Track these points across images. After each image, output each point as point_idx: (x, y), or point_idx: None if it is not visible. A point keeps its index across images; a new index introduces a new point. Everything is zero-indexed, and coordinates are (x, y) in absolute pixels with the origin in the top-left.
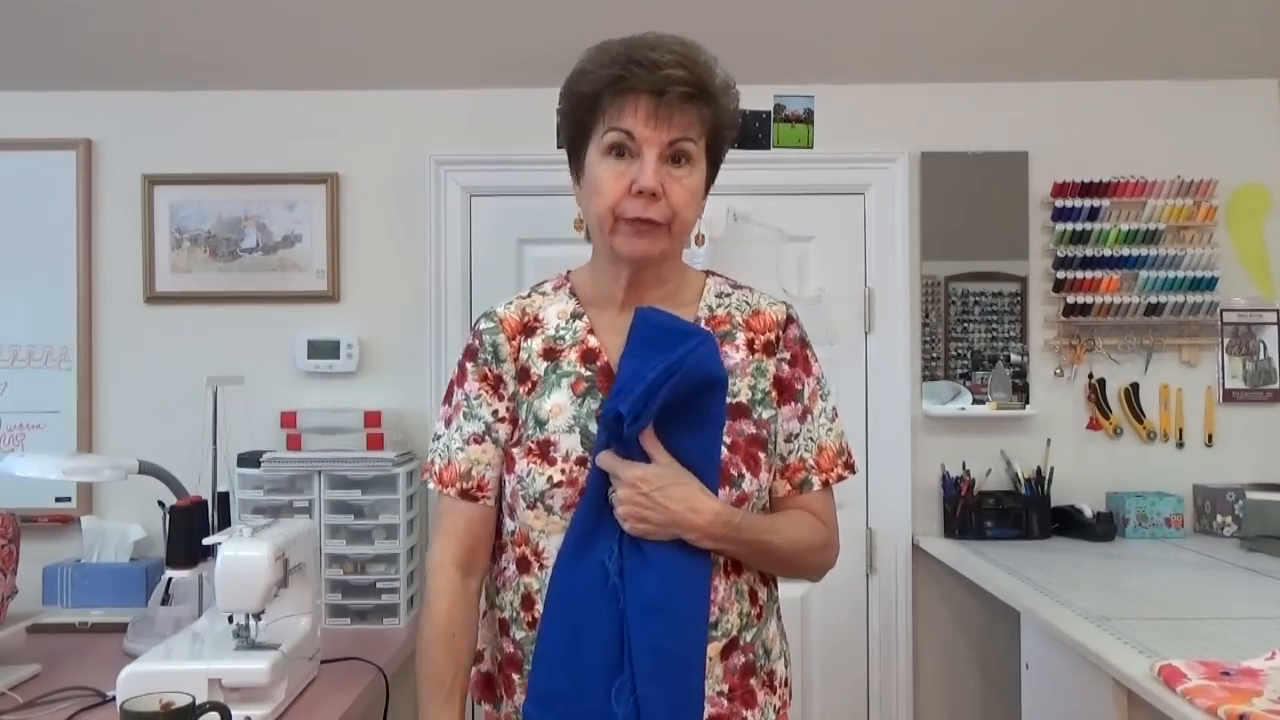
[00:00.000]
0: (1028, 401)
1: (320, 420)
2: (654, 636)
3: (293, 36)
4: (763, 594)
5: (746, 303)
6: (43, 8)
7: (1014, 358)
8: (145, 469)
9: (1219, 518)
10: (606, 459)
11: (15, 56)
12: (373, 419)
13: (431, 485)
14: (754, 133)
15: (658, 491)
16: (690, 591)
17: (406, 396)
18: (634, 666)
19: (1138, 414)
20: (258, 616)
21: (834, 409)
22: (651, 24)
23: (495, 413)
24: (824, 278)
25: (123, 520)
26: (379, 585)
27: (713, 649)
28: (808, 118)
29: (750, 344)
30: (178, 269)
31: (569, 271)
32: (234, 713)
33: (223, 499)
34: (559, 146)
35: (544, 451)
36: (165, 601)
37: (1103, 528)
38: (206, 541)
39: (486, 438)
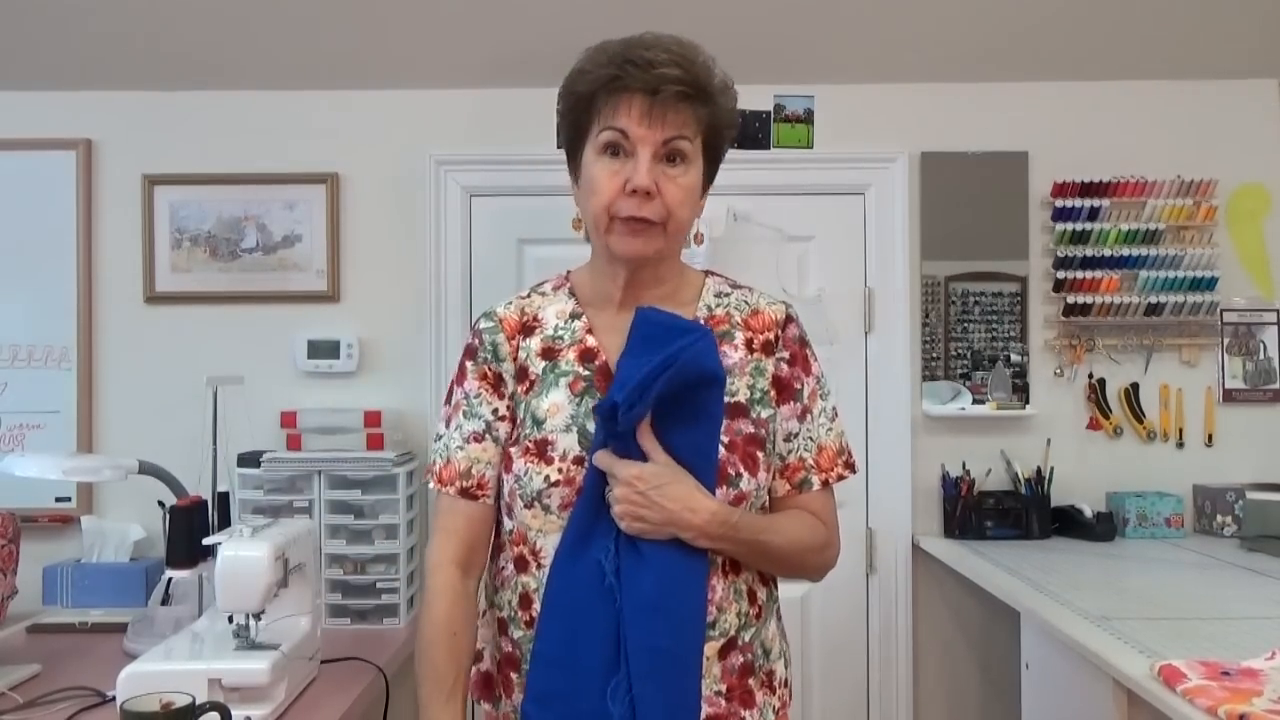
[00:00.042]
0: (1028, 401)
1: (320, 420)
2: (650, 636)
3: (293, 36)
4: (762, 594)
5: (746, 302)
6: (43, 8)
7: (1014, 358)
8: (145, 469)
9: (1219, 518)
10: (603, 458)
11: (15, 56)
12: (373, 419)
13: (431, 485)
14: (754, 133)
15: (654, 490)
16: (687, 591)
17: (406, 396)
18: (630, 666)
19: (1138, 414)
20: (258, 616)
21: (834, 408)
22: (651, 24)
23: (495, 411)
24: (824, 278)
25: (123, 520)
26: (379, 585)
27: (710, 649)
28: (808, 118)
29: (749, 343)
30: (178, 269)
31: (569, 271)
32: (234, 713)
33: (223, 499)
34: (559, 146)
35: (541, 451)
36: (165, 601)
37: (1103, 528)
38: (206, 541)
39: (487, 436)
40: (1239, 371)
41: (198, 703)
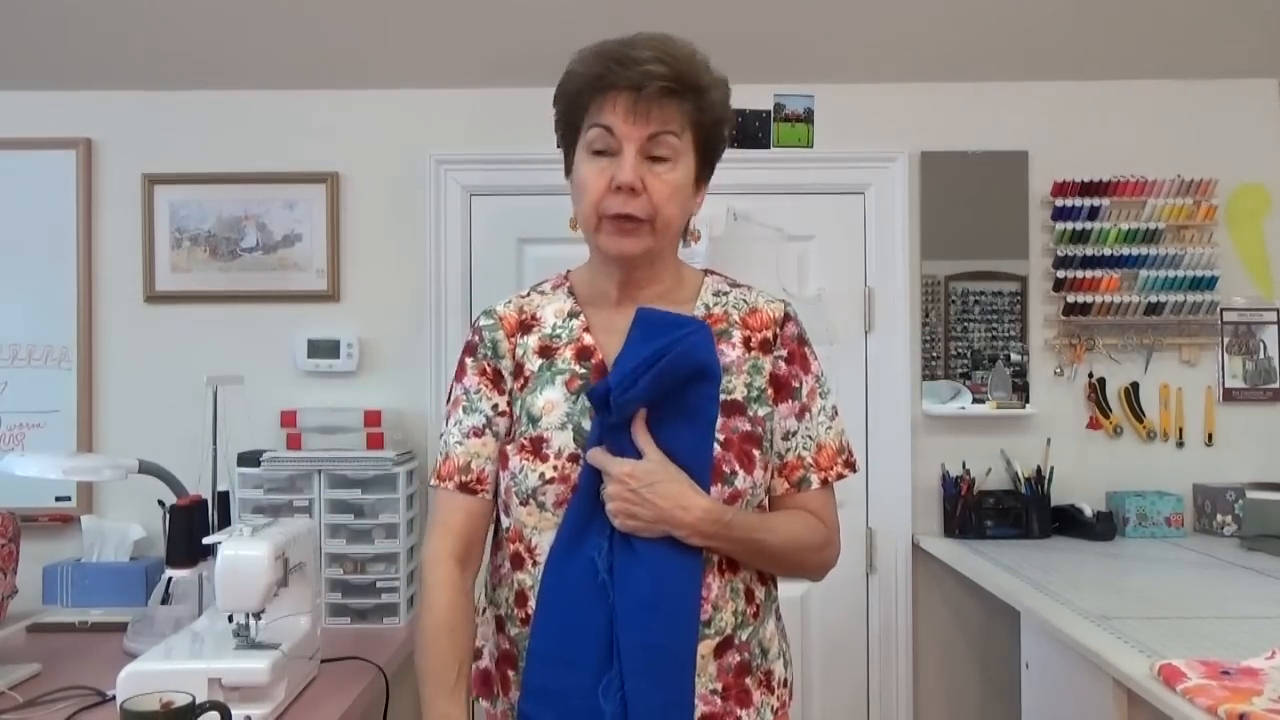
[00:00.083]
0: (1028, 401)
1: (320, 420)
2: (642, 633)
3: (293, 36)
4: (760, 593)
5: (744, 301)
6: (43, 8)
7: (1014, 357)
8: (145, 468)
9: (1219, 517)
10: (597, 455)
11: (15, 56)
12: (373, 418)
13: (432, 482)
14: (754, 132)
15: (646, 488)
16: (680, 588)
17: (406, 396)
18: (622, 663)
19: (1138, 413)
20: (258, 616)
21: (834, 407)
22: (651, 24)
23: (495, 406)
24: (824, 277)
25: (123, 520)
26: (379, 585)
27: (706, 647)
28: (808, 117)
29: (746, 342)
30: (178, 268)
31: (569, 271)
32: (234, 712)
33: (223, 498)
34: (559, 146)
35: (536, 448)
36: (165, 601)
37: (1103, 527)
38: (206, 541)
39: (487, 430)
40: (1239, 371)
41: (198, 702)
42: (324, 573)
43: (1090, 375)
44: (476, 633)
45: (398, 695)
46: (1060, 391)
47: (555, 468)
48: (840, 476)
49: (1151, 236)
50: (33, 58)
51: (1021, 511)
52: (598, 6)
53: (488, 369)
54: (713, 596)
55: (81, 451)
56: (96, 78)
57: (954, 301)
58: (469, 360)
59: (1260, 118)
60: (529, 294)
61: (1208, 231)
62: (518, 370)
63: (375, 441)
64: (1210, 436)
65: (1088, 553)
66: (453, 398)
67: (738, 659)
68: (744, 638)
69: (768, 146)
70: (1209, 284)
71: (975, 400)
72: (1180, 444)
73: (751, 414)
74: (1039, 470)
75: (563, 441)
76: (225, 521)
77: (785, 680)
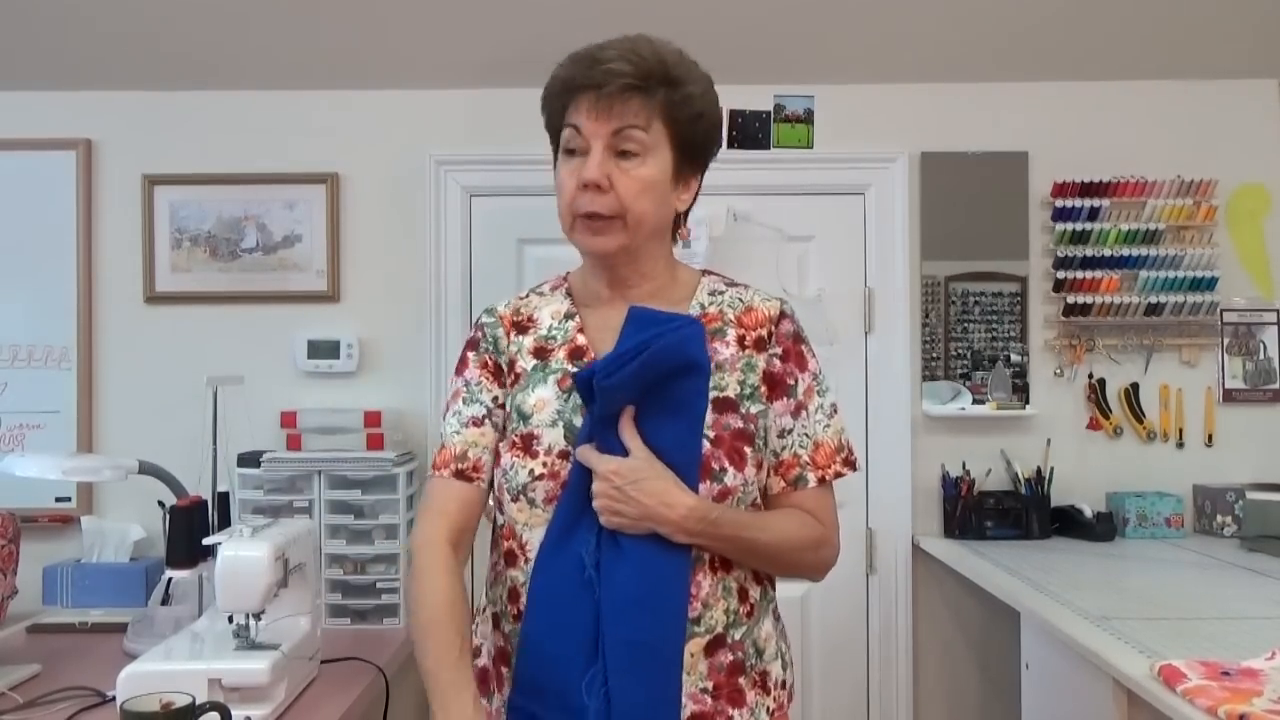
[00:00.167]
0: (1028, 401)
1: (320, 420)
2: (627, 629)
3: (293, 36)
4: (754, 592)
5: (740, 300)
6: (43, 8)
7: (1014, 358)
8: (145, 469)
9: (1219, 518)
10: (585, 452)
11: (15, 56)
12: (373, 419)
13: (429, 473)
14: (754, 133)
15: (631, 485)
16: (667, 585)
17: (406, 396)
18: (606, 659)
19: (1138, 414)
20: (258, 616)
21: (833, 405)
22: (651, 24)
23: (495, 399)
24: (824, 278)
25: (123, 520)
26: (379, 585)
27: (696, 645)
28: (808, 118)
29: (741, 340)
30: (178, 269)
31: (569, 273)
32: (234, 713)
33: (223, 499)
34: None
35: (527, 445)
36: (165, 601)
37: (1103, 528)
38: (206, 541)
39: (486, 421)
40: (1239, 371)
41: (198, 703)
42: (324, 573)
43: (1090, 376)
44: (476, 631)
45: (398, 696)
46: (1060, 392)
47: (545, 464)
48: (839, 475)
49: (1151, 237)
50: (33, 58)
51: (1021, 512)
52: (597, 7)
53: (489, 362)
54: (703, 594)
55: (81, 452)
56: (96, 78)
57: (954, 302)
58: (470, 354)
59: (1260, 118)
60: (528, 295)
61: (1208, 232)
62: (509, 367)
63: (375, 442)
64: (1210, 437)
65: (1088, 553)
66: (453, 390)
67: (730, 658)
68: (737, 637)
69: (768, 147)
70: (1209, 284)
71: (975, 401)
72: (1180, 445)
73: (744, 411)
74: (1039, 471)
75: (553, 438)
76: (225, 522)
77: (784, 682)
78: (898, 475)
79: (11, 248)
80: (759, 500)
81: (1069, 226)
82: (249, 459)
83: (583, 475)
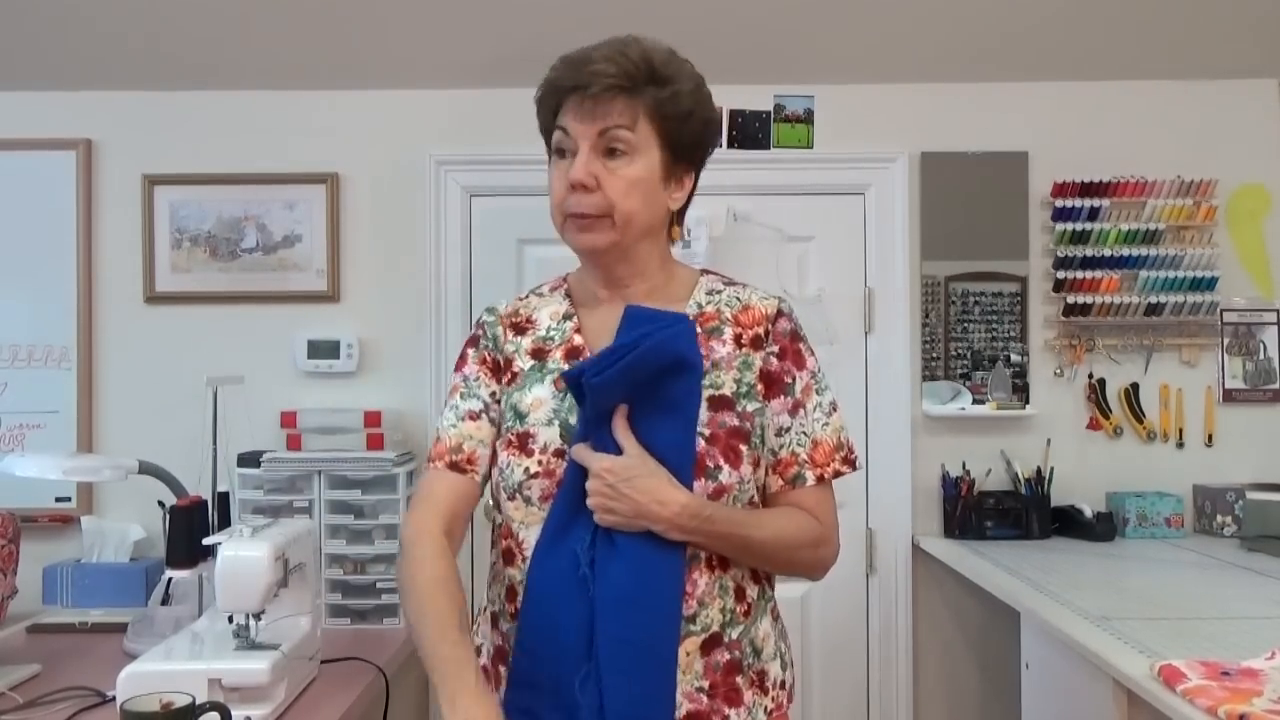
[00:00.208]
0: (1028, 401)
1: (320, 420)
2: (620, 627)
3: (293, 36)
4: (752, 591)
5: (737, 298)
6: (43, 8)
7: (1014, 358)
8: (145, 469)
9: (1219, 518)
10: (579, 451)
11: (15, 56)
12: (373, 419)
13: (425, 465)
14: (754, 133)
15: (624, 483)
16: (660, 583)
17: (406, 396)
18: (600, 657)
19: (1138, 414)
20: (258, 616)
21: (832, 403)
22: (651, 24)
23: (493, 394)
24: (824, 278)
25: (123, 520)
26: (379, 585)
27: (691, 644)
28: (808, 118)
29: (738, 338)
30: (178, 269)
31: (568, 274)
32: (234, 713)
33: (223, 499)
34: None
35: (522, 443)
36: (165, 601)
37: (1103, 528)
38: (206, 541)
39: (483, 415)
40: (1239, 371)
41: (198, 703)
42: (324, 573)
43: (1090, 376)
44: (476, 631)
45: (398, 696)
46: (1060, 392)
47: (540, 462)
48: (838, 474)
49: (1151, 237)
50: (33, 58)
51: (1021, 512)
52: (597, 7)
53: (488, 358)
54: (699, 593)
55: (81, 452)
56: (96, 78)
57: (954, 302)
58: (470, 350)
59: (1260, 118)
60: (527, 296)
61: (1208, 232)
62: (506, 365)
63: (375, 442)
64: (1210, 437)
65: (1088, 553)
66: (452, 385)
67: (727, 657)
68: (734, 636)
69: (768, 147)
70: (1209, 284)
71: (975, 401)
72: (1180, 445)
73: (740, 409)
74: (1039, 471)
75: (548, 437)
76: (225, 522)
77: (783, 682)
78: (898, 475)
79: (12, 248)
80: (756, 498)
81: (1069, 226)
82: (249, 459)
83: (578, 474)
